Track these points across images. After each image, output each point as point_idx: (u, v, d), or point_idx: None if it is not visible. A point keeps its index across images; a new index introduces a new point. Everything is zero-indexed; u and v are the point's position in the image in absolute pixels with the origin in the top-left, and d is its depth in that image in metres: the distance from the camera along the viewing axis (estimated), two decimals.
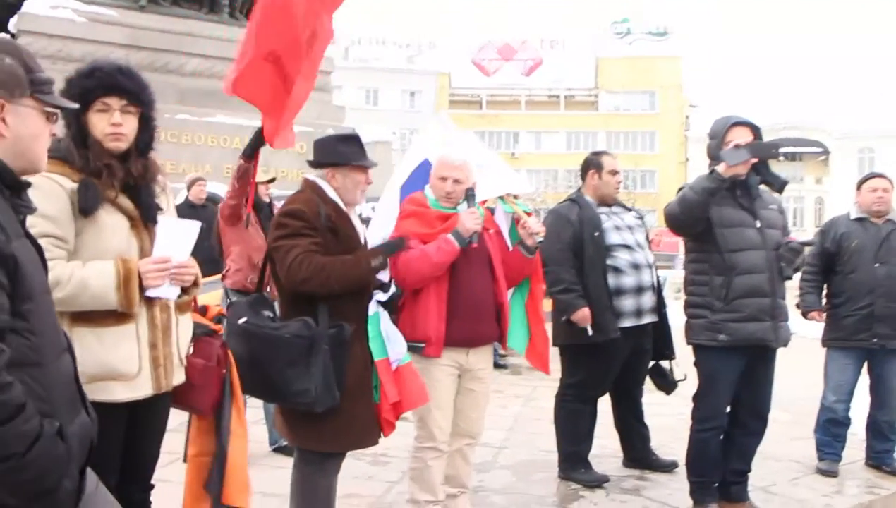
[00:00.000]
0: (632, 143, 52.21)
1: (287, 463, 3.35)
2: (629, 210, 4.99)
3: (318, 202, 3.15)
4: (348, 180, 3.22)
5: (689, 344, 4.13)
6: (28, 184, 1.84)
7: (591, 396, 4.77)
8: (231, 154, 9.98)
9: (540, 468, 4.96)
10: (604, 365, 4.66)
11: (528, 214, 3.93)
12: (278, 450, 5.05)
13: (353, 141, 3.35)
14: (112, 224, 2.41)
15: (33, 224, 1.96)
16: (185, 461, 2.85)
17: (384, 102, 49.92)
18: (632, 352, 4.72)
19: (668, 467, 4.96)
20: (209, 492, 2.75)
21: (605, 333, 4.47)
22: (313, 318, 3.02)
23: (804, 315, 5.27)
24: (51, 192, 2.30)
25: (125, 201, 2.46)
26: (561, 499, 4.40)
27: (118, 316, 2.38)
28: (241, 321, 3.00)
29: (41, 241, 2.02)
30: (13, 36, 11.23)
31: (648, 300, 4.66)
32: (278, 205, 6.07)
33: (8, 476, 1.54)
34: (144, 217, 2.48)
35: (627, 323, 4.57)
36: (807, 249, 4.36)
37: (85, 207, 2.34)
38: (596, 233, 4.58)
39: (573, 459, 4.72)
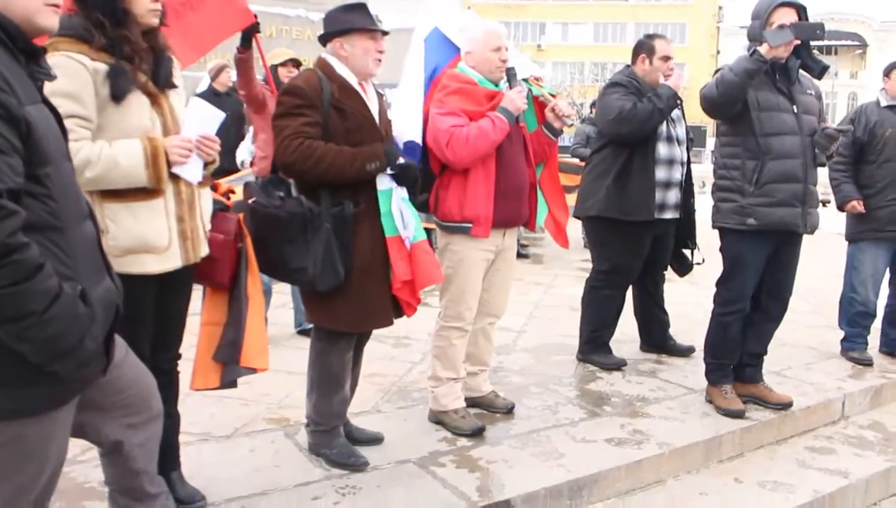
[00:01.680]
0: None
1: (306, 344, 3.46)
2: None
3: (320, 79, 3.08)
4: (357, 48, 3.13)
5: (714, 227, 4.11)
6: (44, 50, 1.83)
7: (620, 282, 4.83)
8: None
9: (557, 351, 5.07)
10: (630, 251, 4.71)
11: (554, 96, 3.86)
12: (302, 332, 5.19)
13: (358, 8, 3.22)
14: (136, 102, 2.41)
15: (58, 103, 1.95)
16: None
17: None
18: (654, 241, 4.74)
19: (685, 352, 5.06)
20: (220, 359, 2.83)
21: (649, 213, 4.52)
22: (317, 196, 3.03)
23: (841, 207, 5.20)
24: (73, 71, 2.28)
25: (147, 79, 2.45)
26: (578, 380, 4.51)
27: (148, 192, 2.41)
28: (251, 201, 3.02)
29: (67, 122, 2.04)
30: None
31: (673, 196, 4.66)
32: None
33: (28, 333, 1.59)
34: (163, 85, 2.48)
35: (647, 215, 4.55)
36: (842, 138, 4.26)
37: (117, 93, 2.34)
38: None
39: (594, 342, 4.84)
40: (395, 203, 3.17)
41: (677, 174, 4.66)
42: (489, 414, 3.87)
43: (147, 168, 2.37)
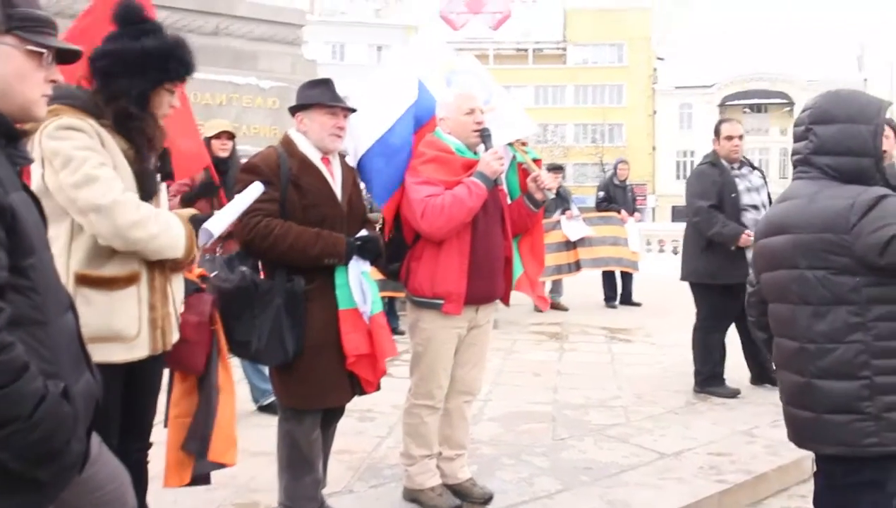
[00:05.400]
0: (600, 97, 52.14)
1: (272, 422, 3.35)
2: (754, 168, 5.60)
3: (279, 155, 3.09)
4: (315, 123, 3.14)
5: None
6: (25, 134, 1.76)
7: (720, 326, 5.59)
8: (201, 110, 9.77)
9: (525, 419, 5.01)
10: (727, 303, 5.37)
11: (537, 162, 3.74)
12: (263, 409, 5.03)
13: (321, 84, 3.24)
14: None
15: (85, 156, 2.08)
16: (165, 425, 2.82)
17: (350, 57, 49.03)
18: None
19: None
20: (188, 451, 2.72)
21: (742, 276, 4.74)
22: (272, 271, 3.03)
23: None
24: (93, 132, 2.29)
25: None
26: (549, 449, 4.44)
27: (127, 279, 2.35)
28: (212, 275, 2.97)
29: (103, 170, 2.12)
30: None
31: None
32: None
33: (13, 439, 1.48)
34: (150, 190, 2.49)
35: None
36: None
37: (146, 197, 2.40)
38: (733, 195, 5.39)
39: (709, 376, 5.58)
40: (355, 276, 3.12)
41: None
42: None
43: (188, 238, 2.41)
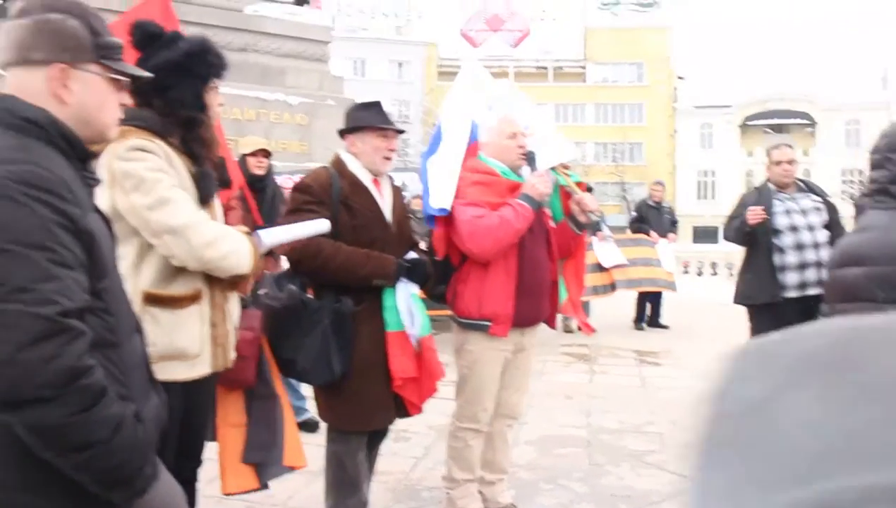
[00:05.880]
0: (619, 116, 52.14)
1: (309, 440, 3.35)
2: (811, 192, 5.55)
3: (331, 176, 3.10)
4: (367, 145, 3.15)
5: None
6: (95, 155, 1.76)
7: None
8: (230, 125, 9.84)
9: (562, 443, 4.96)
10: (777, 324, 5.04)
11: (580, 185, 3.75)
12: (300, 426, 5.00)
13: (372, 106, 3.27)
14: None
15: (158, 178, 2.08)
16: (212, 438, 2.81)
17: (372, 73, 49.44)
18: (804, 317, 5.10)
19: None
20: (253, 461, 2.73)
21: (771, 296, 5.13)
22: (321, 291, 3.03)
23: None
24: (162, 152, 2.30)
25: None
26: (588, 474, 4.40)
27: (191, 297, 2.36)
28: (261, 292, 2.98)
29: (175, 192, 2.15)
30: (4, 1, 10.96)
31: (812, 274, 5.16)
32: (280, 179, 5.90)
33: (93, 463, 1.49)
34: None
35: (792, 293, 5.11)
36: None
37: (204, 197, 2.39)
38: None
39: None
40: (403, 299, 3.11)
41: (810, 255, 5.17)
42: None
43: (253, 256, 2.40)
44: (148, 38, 2.44)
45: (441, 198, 3.41)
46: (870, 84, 50.17)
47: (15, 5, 1.67)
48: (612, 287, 9.67)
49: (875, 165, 2.37)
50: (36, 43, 1.60)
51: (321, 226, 2.80)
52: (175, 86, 2.38)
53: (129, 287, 2.19)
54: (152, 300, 2.30)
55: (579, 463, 4.58)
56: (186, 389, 2.42)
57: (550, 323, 3.73)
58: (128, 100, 1.82)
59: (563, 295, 3.77)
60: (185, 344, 2.35)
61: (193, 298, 2.36)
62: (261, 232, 2.58)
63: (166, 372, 2.31)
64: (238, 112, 10.37)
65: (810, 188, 5.66)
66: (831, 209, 5.51)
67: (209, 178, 2.42)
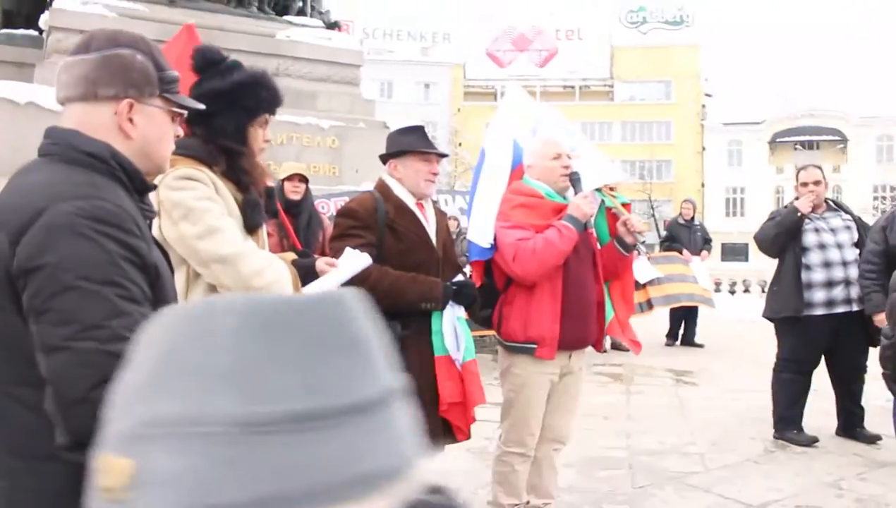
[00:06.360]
0: (647, 133, 52.02)
1: None
2: (842, 211, 5.63)
3: (375, 200, 3.11)
4: (409, 169, 3.16)
5: None
6: (153, 188, 1.78)
7: (800, 369, 5.47)
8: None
9: (602, 465, 4.91)
10: (803, 340, 5.37)
11: (626, 206, 3.74)
12: None
13: (414, 131, 3.29)
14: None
15: (207, 207, 2.07)
16: None
17: (399, 95, 49.76)
18: (835, 335, 5.29)
19: (870, 439, 5.41)
20: None
21: (795, 311, 5.29)
22: None
23: (871, 317, 5.16)
24: (209, 181, 2.31)
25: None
26: (631, 497, 4.34)
27: None
28: None
29: (224, 221, 2.19)
30: (41, 32, 11.23)
31: (840, 292, 5.25)
32: (317, 202, 5.96)
33: None
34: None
35: (819, 311, 5.25)
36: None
37: (252, 225, 2.39)
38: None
39: (786, 421, 5.46)
40: (449, 322, 3.11)
41: (838, 273, 5.25)
42: None
43: (295, 287, 2.42)
44: (205, 61, 2.46)
45: (483, 236, 3.41)
46: None
47: (64, 38, 1.67)
48: (649, 304, 9.61)
49: None
50: (105, 78, 1.60)
51: (363, 261, 2.76)
52: (219, 115, 2.37)
53: None
54: None
55: (622, 486, 4.53)
56: None
57: (598, 345, 3.68)
58: (181, 131, 1.84)
59: (610, 315, 3.72)
60: None
61: None
62: (305, 288, 2.54)
63: None
64: (270, 136, 10.47)
65: (840, 206, 5.66)
66: (862, 227, 5.49)
67: (256, 206, 2.41)
